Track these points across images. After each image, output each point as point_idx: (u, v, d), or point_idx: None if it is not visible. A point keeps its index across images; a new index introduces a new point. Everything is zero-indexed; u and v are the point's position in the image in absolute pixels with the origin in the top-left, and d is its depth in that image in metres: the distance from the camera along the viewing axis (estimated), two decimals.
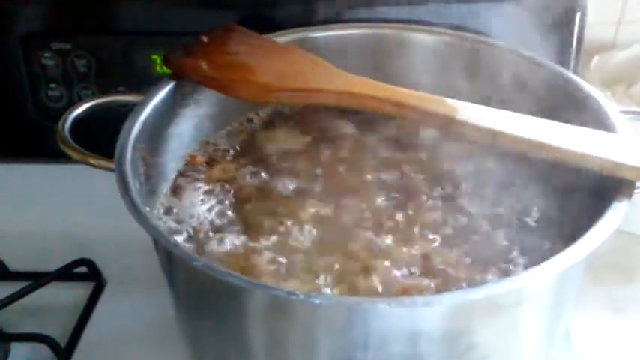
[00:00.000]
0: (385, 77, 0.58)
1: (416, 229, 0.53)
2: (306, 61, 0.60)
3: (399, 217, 0.54)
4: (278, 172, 0.59)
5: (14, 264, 0.71)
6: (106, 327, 0.65)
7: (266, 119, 0.64)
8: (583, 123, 0.54)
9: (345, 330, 0.43)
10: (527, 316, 0.47)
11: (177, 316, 0.54)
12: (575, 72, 0.66)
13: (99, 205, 0.67)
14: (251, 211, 0.55)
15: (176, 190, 0.57)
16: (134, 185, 0.49)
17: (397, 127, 0.62)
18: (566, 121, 0.54)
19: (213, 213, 0.55)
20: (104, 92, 0.71)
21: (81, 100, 0.66)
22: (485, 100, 0.56)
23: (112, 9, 0.72)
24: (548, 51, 0.62)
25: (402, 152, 0.60)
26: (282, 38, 0.64)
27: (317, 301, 0.41)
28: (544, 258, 0.45)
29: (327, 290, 0.48)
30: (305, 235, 0.53)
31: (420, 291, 0.48)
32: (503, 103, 0.56)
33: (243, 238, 0.53)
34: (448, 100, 0.56)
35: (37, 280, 0.67)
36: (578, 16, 0.70)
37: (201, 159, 0.60)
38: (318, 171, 0.59)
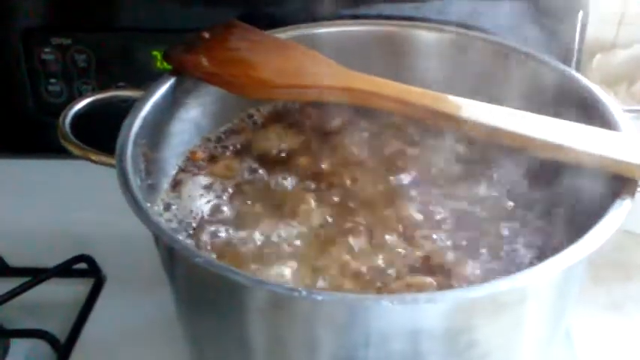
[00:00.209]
0: (387, 74, 0.58)
1: (416, 227, 0.53)
2: (308, 58, 0.60)
3: (399, 215, 0.54)
4: (278, 169, 0.58)
5: (14, 260, 0.71)
6: (105, 323, 0.65)
7: (267, 115, 0.64)
8: (586, 121, 0.54)
9: (347, 327, 0.43)
10: (529, 314, 0.47)
11: (177, 312, 0.54)
12: (577, 71, 0.66)
13: (99, 201, 0.66)
14: (251, 207, 0.55)
15: (176, 186, 0.57)
16: (135, 181, 0.49)
17: (399, 122, 0.61)
18: (570, 119, 0.54)
19: (213, 209, 0.55)
20: (104, 88, 0.71)
21: (81, 95, 0.65)
22: (488, 98, 0.56)
23: (112, 4, 0.72)
24: (551, 49, 0.62)
25: (403, 150, 0.60)
26: (284, 34, 0.64)
27: (319, 298, 0.41)
28: (546, 256, 0.45)
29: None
30: (304, 232, 0.53)
31: (421, 289, 0.48)
32: (506, 101, 0.56)
33: (242, 234, 0.53)
34: (451, 97, 0.56)
35: (36, 276, 0.67)
36: (580, 15, 0.70)
37: (201, 155, 0.60)
38: (319, 168, 0.58)
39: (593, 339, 0.64)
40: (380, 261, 0.50)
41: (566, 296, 0.50)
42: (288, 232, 0.53)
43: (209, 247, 0.52)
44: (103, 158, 0.53)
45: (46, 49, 0.73)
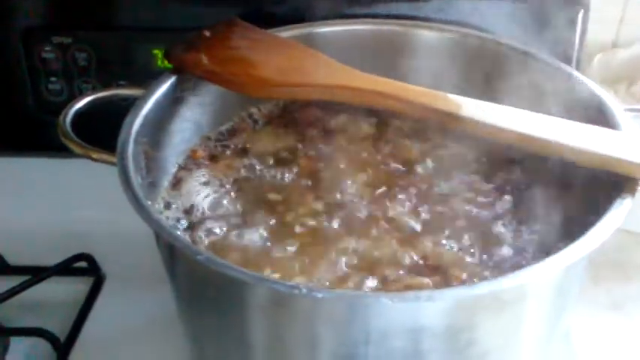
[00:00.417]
0: (388, 73, 0.58)
1: (414, 227, 0.53)
2: (309, 57, 0.60)
3: (398, 215, 0.54)
4: (278, 168, 0.58)
5: (14, 258, 0.71)
6: (105, 322, 0.65)
7: (267, 114, 0.64)
8: (586, 120, 0.54)
9: (347, 324, 0.43)
10: (529, 312, 0.47)
11: (178, 310, 0.54)
12: (578, 70, 0.66)
13: (99, 199, 0.67)
14: (251, 206, 0.55)
15: (177, 184, 0.57)
16: (136, 179, 0.49)
17: (403, 121, 0.61)
18: (570, 118, 0.54)
19: (213, 207, 0.55)
20: (105, 86, 0.71)
21: (81, 94, 0.66)
22: (489, 97, 0.56)
23: (113, 3, 0.72)
24: (551, 49, 0.62)
25: (403, 149, 0.60)
26: (285, 33, 0.64)
27: (319, 295, 0.41)
28: (547, 255, 0.45)
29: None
30: (303, 232, 0.53)
31: (420, 288, 0.48)
32: (506, 100, 0.56)
33: (242, 232, 0.53)
34: (451, 96, 0.56)
35: (36, 274, 0.67)
36: (581, 14, 0.70)
37: (202, 153, 0.60)
38: (319, 167, 0.58)
39: (593, 339, 0.64)
40: (379, 260, 0.50)
41: (566, 295, 0.50)
42: (289, 232, 0.53)
43: (209, 245, 0.52)
44: (104, 156, 0.53)
45: (47, 48, 0.73)
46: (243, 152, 0.61)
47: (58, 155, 0.68)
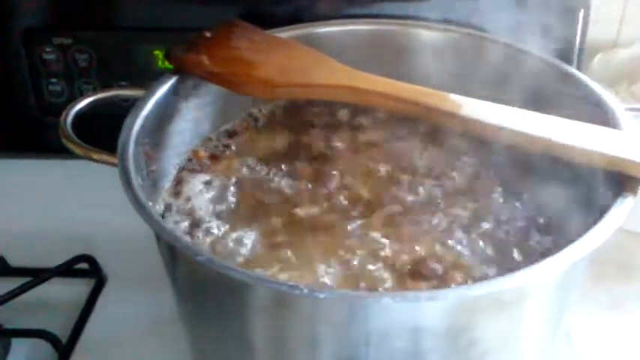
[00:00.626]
0: (389, 73, 0.58)
1: (413, 227, 0.53)
2: (309, 57, 0.60)
3: (397, 215, 0.54)
4: (280, 168, 0.58)
5: (15, 260, 0.71)
6: (106, 323, 0.65)
7: (268, 115, 0.64)
8: (587, 119, 0.54)
9: (349, 325, 0.43)
10: (530, 312, 0.47)
11: (179, 311, 0.54)
12: (579, 70, 0.66)
13: (100, 201, 0.67)
14: (252, 206, 0.55)
15: (178, 185, 0.57)
16: (137, 180, 0.49)
17: (403, 122, 0.61)
18: (571, 118, 0.54)
19: (214, 208, 0.55)
20: (105, 87, 0.71)
21: (82, 95, 0.65)
22: (489, 97, 0.56)
23: (113, 4, 0.72)
24: (552, 48, 0.61)
25: (406, 148, 0.60)
26: (286, 34, 0.64)
27: (321, 296, 0.41)
28: (547, 254, 0.45)
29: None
30: (304, 232, 0.53)
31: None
32: (507, 100, 0.56)
33: (243, 233, 0.53)
34: (452, 95, 0.56)
35: (37, 276, 0.67)
36: (581, 13, 0.70)
37: (203, 154, 0.60)
38: (321, 167, 0.58)
39: (594, 338, 0.64)
40: (378, 264, 0.50)
41: (567, 295, 0.50)
42: (288, 232, 0.53)
43: (210, 246, 0.52)
44: (105, 157, 0.53)
45: (47, 49, 0.73)
46: (245, 153, 0.61)
47: (58, 156, 0.67)
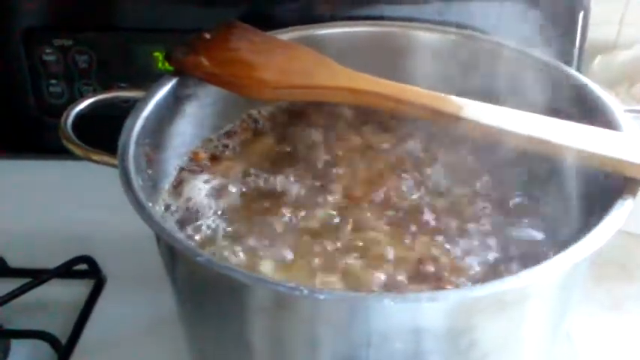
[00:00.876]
0: (388, 75, 0.58)
1: (411, 229, 0.53)
2: (309, 58, 0.60)
3: (396, 217, 0.54)
4: (280, 170, 0.58)
5: (14, 261, 0.71)
6: (106, 324, 0.65)
7: (268, 116, 0.64)
8: (587, 121, 0.54)
9: (349, 326, 0.43)
10: (530, 313, 0.47)
11: (178, 312, 0.54)
12: (579, 71, 0.66)
13: (99, 202, 0.67)
14: (253, 208, 0.55)
15: (178, 186, 0.57)
16: (137, 181, 0.49)
17: (404, 124, 0.61)
18: (571, 120, 0.54)
19: (214, 209, 0.55)
20: (105, 89, 0.71)
21: (82, 96, 0.66)
22: (489, 98, 0.56)
23: (113, 5, 0.72)
24: (552, 50, 0.61)
25: (408, 150, 0.60)
26: (286, 35, 0.63)
27: (321, 297, 0.41)
28: (547, 256, 0.45)
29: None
30: (305, 233, 0.52)
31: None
32: (507, 101, 0.56)
33: (243, 234, 0.53)
34: (452, 97, 0.56)
35: (37, 277, 0.67)
36: (581, 15, 0.70)
37: (203, 155, 0.60)
38: (321, 168, 0.58)
39: (594, 339, 0.64)
40: (378, 265, 0.50)
41: (568, 296, 0.50)
42: (288, 233, 0.52)
43: (209, 247, 0.52)
44: (105, 158, 0.53)
45: (48, 50, 0.73)
46: (245, 154, 0.61)
47: (59, 157, 0.67)
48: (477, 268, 0.50)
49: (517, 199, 0.55)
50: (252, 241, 0.52)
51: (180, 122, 0.59)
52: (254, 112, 0.64)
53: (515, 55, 0.61)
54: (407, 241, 0.52)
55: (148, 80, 0.59)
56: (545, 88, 0.58)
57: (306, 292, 0.41)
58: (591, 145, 0.51)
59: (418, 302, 0.42)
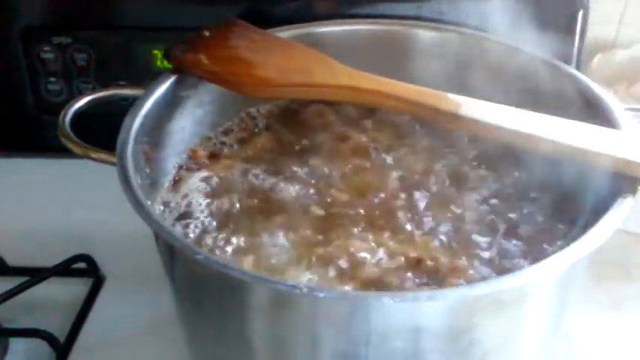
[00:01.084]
0: (388, 73, 0.58)
1: (410, 229, 0.53)
2: (309, 56, 0.60)
3: (395, 218, 0.53)
4: (279, 168, 0.58)
5: (13, 259, 0.71)
6: (104, 323, 0.65)
7: (267, 114, 0.64)
8: (587, 119, 0.54)
9: (348, 324, 0.43)
10: (530, 312, 0.47)
11: (177, 311, 0.54)
12: (578, 70, 0.66)
13: (98, 200, 0.67)
14: (251, 206, 0.55)
15: (177, 184, 0.57)
16: (135, 179, 0.49)
17: (404, 125, 0.61)
18: (570, 118, 0.54)
19: (213, 207, 0.55)
20: (104, 87, 0.70)
21: (81, 94, 0.65)
22: (489, 97, 0.56)
23: (112, 3, 0.72)
24: (551, 49, 0.61)
25: (408, 150, 0.60)
26: (286, 33, 0.63)
27: (320, 295, 0.41)
28: (546, 255, 0.45)
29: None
30: (302, 234, 0.52)
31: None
32: (507, 100, 0.56)
33: (241, 233, 0.53)
34: (451, 95, 0.56)
35: (35, 275, 0.67)
36: (580, 14, 0.70)
37: (202, 153, 0.60)
38: (320, 167, 0.58)
39: (593, 338, 0.64)
40: (377, 267, 0.50)
41: (567, 295, 0.50)
42: (288, 234, 0.52)
43: (209, 244, 0.52)
44: (104, 156, 0.53)
45: (46, 48, 0.73)
46: (243, 152, 0.61)
47: (57, 155, 0.67)
48: (476, 268, 0.49)
49: (515, 199, 0.55)
50: (248, 240, 0.52)
51: (179, 120, 0.59)
52: (253, 110, 0.64)
53: (515, 53, 0.61)
54: (406, 241, 0.52)
55: (147, 78, 0.59)
56: (544, 86, 0.58)
57: (305, 290, 0.41)
58: (591, 143, 0.51)
59: (417, 301, 0.42)
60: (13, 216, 0.74)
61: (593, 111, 0.55)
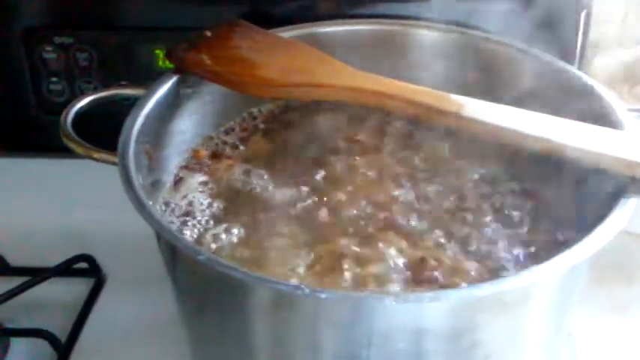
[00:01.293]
0: (390, 73, 0.58)
1: (410, 231, 0.52)
2: (311, 57, 0.60)
3: (394, 218, 0.53)
4: (280, 168, 0.58)
5: (14, 259, 0.71)
6: (105, 323, 0.65)
7: (269, 114, 0.64)
8: (589, 120, 0.53)
9: (350, 325, 0.43)
10: (532, 314, 0.47)
11: (179, 311, 0.54)
12: (580, 70, 0.66)
13: (100, 200, 0.67)
14: (254, 207, 0.55)
15: (178, 184, 0.57)
16: (137, 179, 0.49)
17: (409, 123, 0.61)
18: (572, 118, 0.54)
19: (215, 207, 0.55)
20: (106, 86, 0.70)
21: (83, 94, 0.65)
22: (491, 97, 0.56)
23: (114, 3, 0.72)
24: (554, 49, 0.61)
25: (408, 150, 0.60)
26: (288, 33, 0.63)
27: (322, 296, 0.41)
28: (548, 258, 0.45)
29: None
30: (303, 235, 0.52)
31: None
32: (510, 100, 0.56)
33: (243, 233, 0.53)
34: (453, 96, 0.56)
35: (37, 275, 0.67)
36: (583, 14, 0.70)
37: (204, 153, 0.60)
38: (320, 167, 0.58)
39: (595, 341, 0.63)
40: (378, 268, 0.50)
41: (569, 296, 0.50)
42: (289, 234, 0.52)
43: (210, 245, 0.52)
44: (105, 156, 0.53)
45: (48, 48, 0.73)
46: (245, 152, 0.61)
47: (59, 155, 0.67)
48: (478, 270, 0.49)
49: (517, 200, 0.55)
50: (250, 240, 0.52)
51: (181, 120, 0.59)
52: (255, 110, 0.64)
53: (517, 54, 0.61)
54: (405, 242, 0.51)
55: (149, 78, 0.59)
56: (546, 86, 0.58)
57: (307, 291, 0.41)
58: (593, 144, 0.51)
59: (420, 302, 0.42)
60: (14, 216, 0.74)
61: (595, 111, 0.55)
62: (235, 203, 0.55)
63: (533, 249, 0.51)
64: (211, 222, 0.54)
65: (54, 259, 0.68)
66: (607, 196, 0.49)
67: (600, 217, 0.46)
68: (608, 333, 0.65)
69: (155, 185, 0.55)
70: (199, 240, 0.53)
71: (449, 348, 0.45)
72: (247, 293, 0.44)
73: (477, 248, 0.51)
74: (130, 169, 0.50)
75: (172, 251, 0.48)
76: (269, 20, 0.64)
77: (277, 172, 0.58)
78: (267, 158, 0.60)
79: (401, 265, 0.49)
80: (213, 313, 0.48)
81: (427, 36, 0.65)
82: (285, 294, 0.42)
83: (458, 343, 0.45)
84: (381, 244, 0.51)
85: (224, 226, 0.53)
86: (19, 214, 0.74)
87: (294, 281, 0.47)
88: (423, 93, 0.56)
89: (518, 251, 0.51)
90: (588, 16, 0.70)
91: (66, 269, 0.68)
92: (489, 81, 0.60)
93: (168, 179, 0.58)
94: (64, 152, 0.55)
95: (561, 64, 0.60)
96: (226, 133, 0.62)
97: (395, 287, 0.48)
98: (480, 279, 0.48)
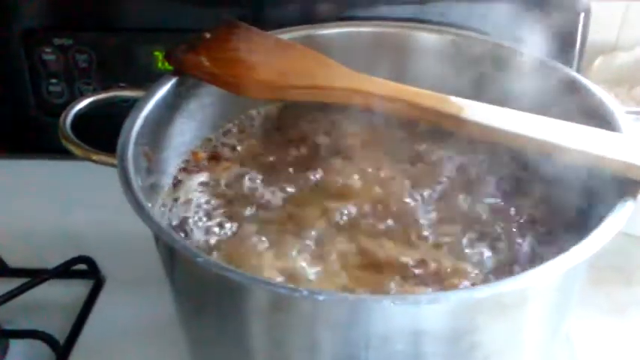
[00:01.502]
0: (389, 75, 0.58)
1: (410, 232, 0.53)
2: (310, 59, 0.60)
3: (394, 219, 0.54)
4: (279, 170, 0.58)
5: (13, 261, 0.71)
6: (104, 325, 0.65)
7: (267, 116, 0.64)
8: (588, 122, 0.53)
9: (348, 327, 0.43)
10: (530, 315, 0.47)
11: (177, 313, 0.54)
12: (579, 73, 0.66)
13: (98, 202, 0.67)
14: (251, 208, 0.55)
15: (177, 186, 0.57)
16: (136, 181, 0.49)
17: (404, 124, 0.61)
18: (571, 121, 0.54)
19: (213, 209, 0.55)
20: (105, 88, 0.70)
21: (82, 95, 0.65)
22: (491, 99, 0.56)
23: (113, 5, 0.72)
24: (552, 52, 0.61)
25: (408, 150, 0.60)
26: (287, 35, 0.63)
27: (320, 298, 0.41)
28: (547, 258, 0.45)
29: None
30: (302, 235, 0.52)
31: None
32: (508, 102, 0.56)
33: (242, 234, 0.53)
34: (453, 98, 0.56)
35: (36, 277, 0.67)
36: (581, 17, 0.70)
37: (203, 155, 0.60)
38: (319, 168, 0.58)
39: (594, 342, 0.63)
40: (377, 268, 0.50)
41: (567, 298, 0.50)
42: (287, 235, 0.52)
43: (208, 248, 0.52)
44: (104, 158, 0.53)
45: (47, 50, 0.73)
46: (243, 154, 0.61)
47: (58, 157, 0.67)
48: (477, 271, 0.49)
49: (517, 202, 0.55)
50: (252, 241, 0.52)
51: (180, 122, 0.59)
52: (253, 111, 0.64)
53: (515, 55, 0.61)
54: (408, 243, 0.51)
55: (148, 80, 0.59)
56: (545, 89, 0.58)
57: (305, 293, 0.41)
58: (592, 146, 0.51)
59: (418, 304, 0.42)
60: (13, 217, 0.74)
61: (594, 114, 0.55)
62: (234, 205, 0.55)
63: (532, 251, 0.51)
64: (210, 224, 0.54)
65: (53, 261, 0.68)
66: (604, 199, 0.49)
67: (599, 219, 0.46)
68: (607, 334, 0.65)
69: (154, 187, 0.55)
70: (198, 242, 0.53)
71: (447, 350, 0.45)
72: (245, 295, 0.44)
73: (476, 249, 0.51)
74: (129, 171, 0.50)
75: (171, 253, 0.48)
76: (268, 22, 0.64)
77: (275, 174, 0.58)
78: (266, 160, 0.60)
79: (401, 265, 0.49)
80: (212, 314, 0.48)
81: (426, 38, 0.65)
82: (282, 296, 0.42)
83: (456, 344, 0.45)
84: (379, 245, 0.51)
85: (223, 227, 0.53)
86: (18, 215, 0.74)
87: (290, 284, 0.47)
88: (423, 95, 0.56)
89: (518, 251, 0.51)
90: (587, 18, 0.70)
91: (65, 271, 0.69)
92: (488, 83, 0.60)
93: (167, 181, 0.58)
94: (63, 153, 0.55)
95: (560, 66, 0.60)
96: (225, 134, 0.62)
97: (393, 288, 0.48)
98: (479, 281, 0.49)
